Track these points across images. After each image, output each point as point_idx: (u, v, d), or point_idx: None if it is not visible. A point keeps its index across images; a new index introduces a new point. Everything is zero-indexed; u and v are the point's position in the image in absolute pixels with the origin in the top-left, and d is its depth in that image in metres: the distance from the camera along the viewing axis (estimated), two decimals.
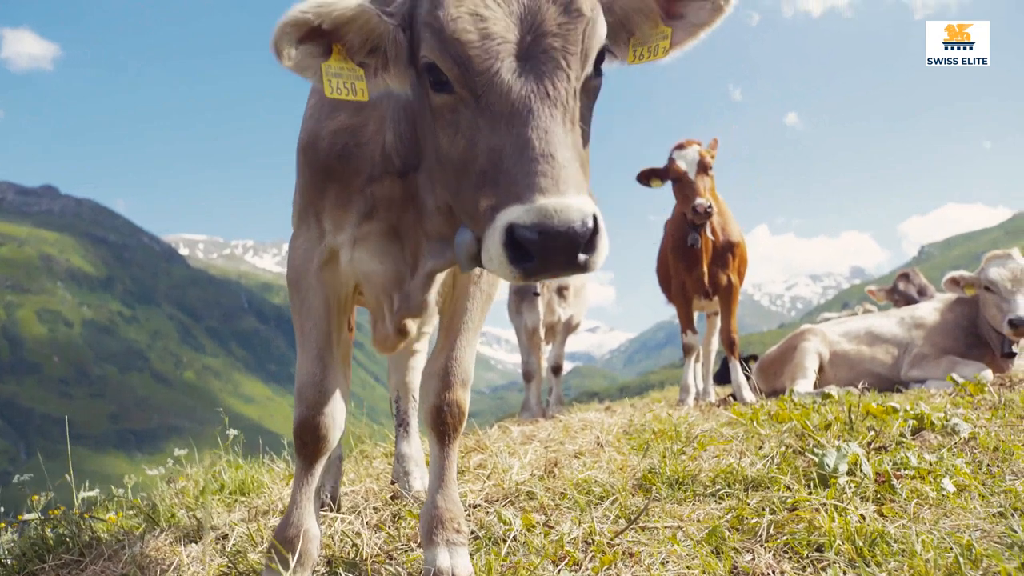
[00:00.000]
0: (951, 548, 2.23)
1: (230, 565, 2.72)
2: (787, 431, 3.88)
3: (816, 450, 3.24)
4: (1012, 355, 6.50)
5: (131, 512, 4.07)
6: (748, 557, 2.38)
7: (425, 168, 2.19)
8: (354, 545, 2.79)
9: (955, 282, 6.81)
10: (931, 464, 3.06)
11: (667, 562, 2.37)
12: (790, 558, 2.36)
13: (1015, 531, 2.30)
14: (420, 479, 3.79)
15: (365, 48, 2.01)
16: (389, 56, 2.01)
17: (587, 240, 1.63)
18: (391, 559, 2.68)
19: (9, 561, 3.24)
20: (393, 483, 3.88)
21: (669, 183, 6.86)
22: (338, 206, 2.39)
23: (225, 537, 3.20)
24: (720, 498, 3.00)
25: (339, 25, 1.94)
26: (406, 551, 2.74)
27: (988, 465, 3.15)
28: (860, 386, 5.67)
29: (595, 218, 1.64)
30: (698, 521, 2.74)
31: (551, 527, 2.76)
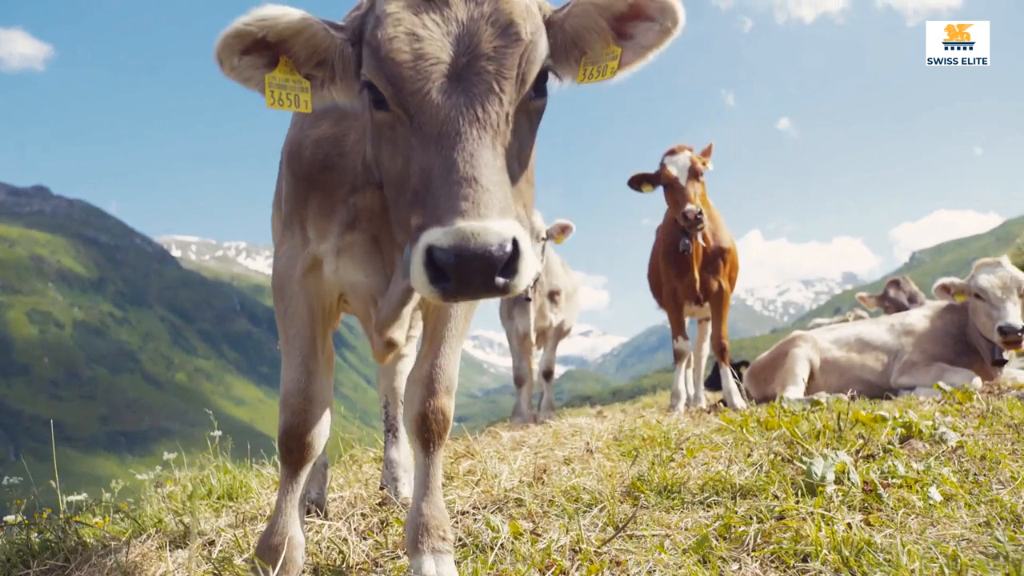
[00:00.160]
0: (937, 558, 2.24)
1: (216, 572, 2.70)
2: (776, 438, 3.88)
3: (804, 458, 3.25)
4: (1003, 362, 6.52)
5: (118, 516, 4.05)
6: (735, 566, 2.38)
7: None
8: (340, 552, 2.78)
9: (945, 289, 6.84)
10: (919, 473, 3.07)
11: (654, 571, 2.37)
12: (776, 568, 2.36)
13: (1000, 541, 2.31)
14: (409, 485, 3.78)
15: (312, 61, 2.03)
16: (336, 70, 2.03)
17: (506, 263, 1.64)
18: (377, 566, 2.67)
19: None
20: (382, 488, 3.87)
21: (660, 188, 6.87)
22: (321, 215, 2.40)
23: (212, 543, 3.19)
24: (708, 506, 3.00)
25: (285, 37, 1.95)
26: (393, 558, 2.73)
27: (975, 474, 3.16)
28: (849, 393, 5.69)
29: (515, 242, 1.65)
30: (686, 529, 2.74)
31: (539, 535, 2.75)
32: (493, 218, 1.63)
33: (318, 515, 3.43)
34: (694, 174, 6.64)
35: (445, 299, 1.68)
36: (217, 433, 4.92)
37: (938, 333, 6.96)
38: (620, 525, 2.76)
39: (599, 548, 2.56)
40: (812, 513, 2.65)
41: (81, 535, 3.50)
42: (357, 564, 2.69)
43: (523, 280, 1.69)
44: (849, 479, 2.97)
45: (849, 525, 2.55)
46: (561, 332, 8.28)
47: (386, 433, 4.02)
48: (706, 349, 8.24)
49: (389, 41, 1.79)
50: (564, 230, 7.39)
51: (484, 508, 3.20)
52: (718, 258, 7.07)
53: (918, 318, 7.27)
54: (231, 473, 4.48)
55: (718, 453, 3.84)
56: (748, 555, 2.44)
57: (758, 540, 2.52)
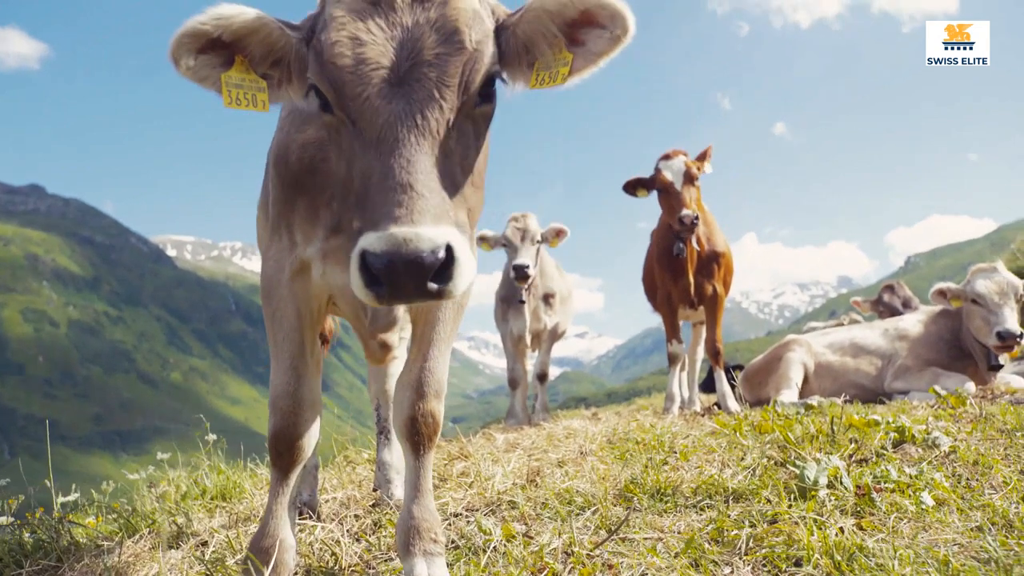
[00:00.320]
0: (928, 563, 2.24)
1: (208, 573, 2.70)
2: (770, 442, 3.89)
3: (797, 462, 3.25)
4: (998, 367, 6.54)
5: (112, 516, 4.04)
6: (727, 570, 2.39)
7: None
8: (333, 554, 2.78)
9: (942, 294, 6.85)
10: (911, 477, 3.07)
11: (646, 574, 2.37)
12: (768, 572, 2.36)
13: (991, 546, 2.32)
14: (402, 487, 3.78)
15: (268, 60, 2.04)
16: (293, 70, 2.04)
17: (440, 269, 1.65)
18: (370, 569, 2.67)
19: None
20: (375, 490, 3.87)
21: (655, 193, 6.88)
22: (308, 219, 2.41)
23: (205, 544, 3.19)
24: (701, 509, 3.00)
25: (240, 37, 1.96)
26: (385, 560, 2.73)
27: (967, 479, 3.17)
28: (843, 398, 5.70)
29: (449, 248, 1.66)
30: (678, 533, 2.74)
31: (531, 537, 2.75)
32: (427, 225, 1.65)
33: (310, 517, 3.43)
34: (689, 179, 6.65)
35: (380, 303, 1.70)
36: (212, 436, 4.92)
37: (932, 338, 6.98)
38: (613, 528, 2.76)
39: (591, 551, 2.56)
40: (804, 517, 2.65)
41: (74, 535, 3.50)
42: (349, 566, 2.69)
43: (458, 286, 1.70)
44: (842, 483, 2.97)
45: (841, 529, 2.56)
46: (556, 335, 8.28)
47: (379, 435, 4.02)
48: (700, 352, 8.25)
49: (332, 45, 1.80)
50: (559, 234, 7.39)
51: (477, 510, 3.20)
52: (712, 262, 7.08)
53: (912, 323, 7.29)
54: (224, 474, 4.48)
55: (711, 456, 3.84)
56: (740, 559, 2.44)
57: (750, 544, 2.53)
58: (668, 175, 6.68)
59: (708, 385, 9.99)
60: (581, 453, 4.32)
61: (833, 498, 2.88)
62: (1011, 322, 6.25)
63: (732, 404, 6.80)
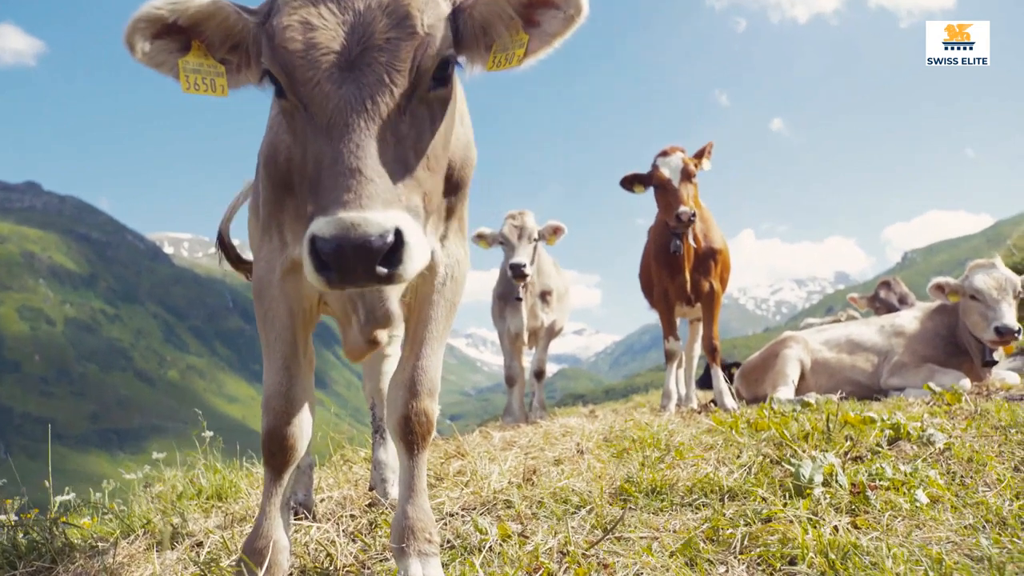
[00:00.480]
0: (922, 561, 2.25)
1: (203, 574, 2.69)
2: (765, 440, 3.89)
3: (793, 460, 3.26)
4: (993, 363, 6.55)
5: (107, 517, 4.04)
6: (722, 569, 2.39)
7: None
8: (328, 555, 2.77)
9: (940, 288, 6.86)
10: (906, 475, 3.08)
11: (641, 573, 2.37)
12: (763, 570, 2.36)
13: (985, 544, 2.32)
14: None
15: (226, 45, 2.03)
16: (251, 54, 2.03)
17: (387, 253, 1.66)
18: (365, 569, 2.67)
19: None
20: (371, 490, 3.87)
21: (652, 189, 6.87)
22: (298, 219, 2.40)
23: (200, 544, 3.18)
24: (696, 508, 3.00)
25: (196, 22, 1.96)
26: (381, 560, 2.73)
27: (962, 476, 3.18)
28: (839, 394, 5.71)
29: (399, 232, 1.67)
30: (674, 531, 2.75)
31: (527, 537, 2.75)
32: (375, 209, 1.65)
33: (306, 517, 3.42)
34: (686, 176, 6.64)
35: (331, 287, 1.70)
36: (208, 434, 4.91)
37: (928, 334, 7.00)
38: (608, 527, 2.77)
39: (587, 550, 2.57)
40: (799, 516, 2.66)
41: (69, 536, 3.49)
42: (344, 567, 2.69)
43: (408, 270, 1.70)
44: (837, 481, 2.98)
45: (836, 528, 2.56)
46: (552, 332, 8.28)
47: (374, 434, 4.02)
48: (697, 349, 8.26)
49: (283, 30, 1.80)
50: (556, 231, 7.38)
51: (473, 510, 3.20)
52: (709, 259, 7.08)
53: (908, 319, 7.31)
54: (221, 473, 4.47)
55: (707, 454, 3.84)
56: (735, 558, 2.45)
57: (745, 543, 2.53)
58: (665, 172, 6.67)
59: (705, 382, 10.00)
60: (578, 451, 4.32)
61: (828, 496, 2.88)
62: (1009, 317, 6.27)
63: (729, 401, 6.80)
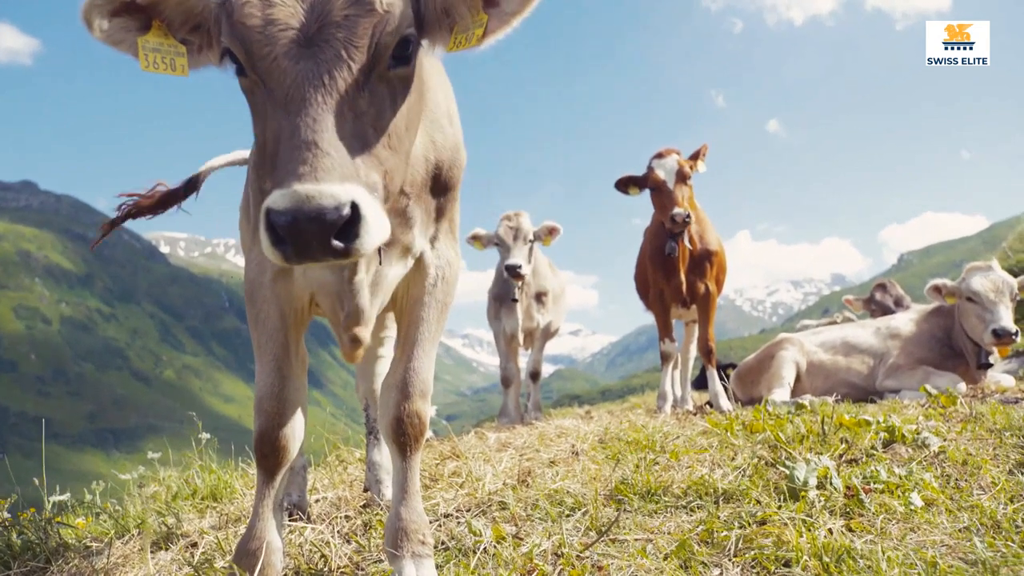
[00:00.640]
0: (916, 565, 2.25)
1: (196, 575, 2.69)
2: (760, 442, 3.90)
3: (788, 462, 3.26)
4: (988, 366, 6.57)
5: (102, 517, 4.03)
6: (716, 572, 2.39)
7: None
8: (323, 556, 2.77)
9: (937, 290, 6.88)
10: (900, 478, 3.08)
11: None
12: (757, 573, 2.37)
13: (979, 548, 2.32)
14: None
15: (187, 26, 2.04)
16: (212, 34, 2.03)
17: (346, 227, 1.65)
18: (360, 570, 2.67)
19: None
20: (366, 491, 3.86)
21: (647, 191, 6.88)
22: None
23: (194, 545, 3.18)
24: (691, 510, 3.00)
25: (156, 1, 1.96)
26: (375, 562, 2.72)
27: (956, 479, 3.18)
28: (834, 396, 5.71)
29: (355, 206, 1.65)
30: (668, 534, 2.75)
31: (521, 539, 2.75)
32: (331, 182, 1.64)
33: (300, 518, 3.42)
34: (681, 177, 6.65)
35: (287, 262, 1.69)
36: (204, 435, 4.91)
37: (924, 337, 7.01)
38: (603, 529, 2.77)
39: (581, 552, 2.56)
40: (794, 519, 2.66)
41: (63, 536, 3.49)
42: (339, 568, 2.69)
43: (365, 243, 1.69)
44: (831, 484, 2.98)
45: (830, 531, 2.56)
46: (548, 333, 8.28)
47: (368, 435, 4.01)
48: (693, 351, 8.26)
49: (241, 6, 1.80)
50: (552, 232, 7.38)
51: (468, 511, 3.19)
52: (705, 261, 7.08)
53: (904, 321, 7.32)
54: (216, 473, 4.47)
55: (702, 456, 3.85)
56: (729, 560, 2.45)
57: (740, 545, 2.53)
58: (661, 173, 6.68)
59: (701, 383, 10.00)
60: (573, 453, 4.32)
61: (822, 499, 2.88)
62: (1007, 320, 6.28)
63: (724, 403, 6.81)
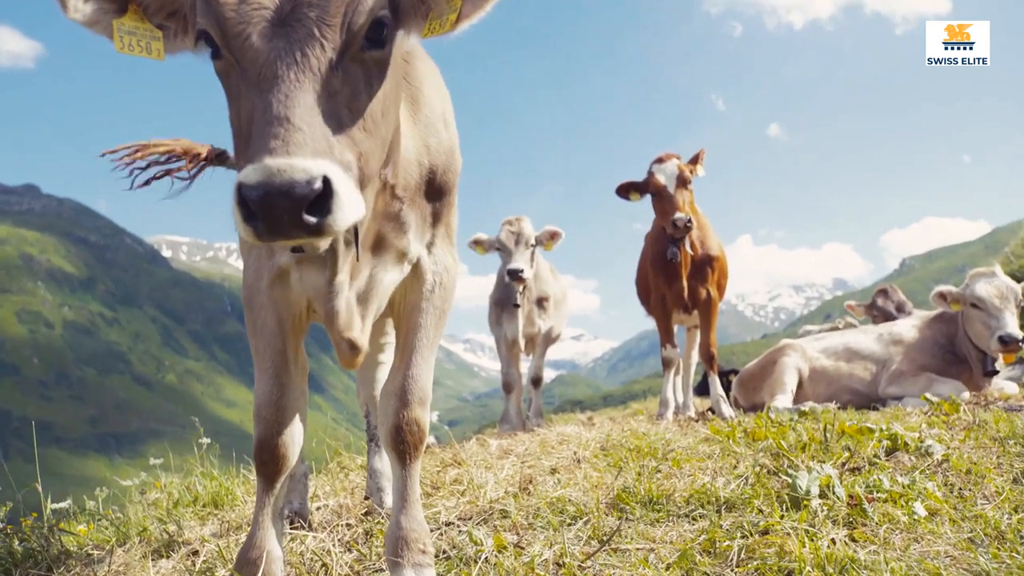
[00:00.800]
0: None
1: None
2: (763, 450, 3.89)
3: (790, 471, 3.24)
4: (994, 373, 6.54)
5: (103, 524, 4.02)
6: None
7: None
8: (324, 564, 2.76)
9: (942, 297, 6.87)
10: (904, 487, 3.07)
11: None
12: None
13: (983, 559, 2.31)
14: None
15: (163, 11, 2.05)
16: (188, 20, 2.03)
17: (318, 202, 1.63)
18: None
19: None
20: (367, 498, 3.86)
21: (648, 196, 6.88)
22: None
23: (196, 553, 3.17)
24: (693, 519, 2.99)
25: None
26: (376, 571, 2.72)
27: (960, 488, 3.17)
28: (836, 403, 5.70)
29: (327, 180, 1.64)
30: (670, 543, 2.73)
31: (523, 548, 2.74)
32: (303, 156, 1.63)
33: (301, 526, 3.41)
34: (682, 182, 6.65)
35: (260, 239, 1.67)
36: (205, 440, 4.90)
37: (927, 343, 6.99)
38: (604, 539, 2.75)
39: (583, 562, 2.55)
40: (796, 528, 2.64)
41: (65, 543, 3.48)
42: None
43: (338, 220, 1.67)
44: (834, 493, 2.96)
45: (833, 541, 2.55)
46: (550, 338, 8.27)
47: (369, 443, 4.01)
48: (695, 356, 8.25)
49: None
50: (553, 236, 7.38)
51: (469, 519, 3.18)
52: (706, 266, 7.08)
53: (907, 328, 7.30)
54: (217, 480, 4.46)
55: (704, 464, 3.84)
56: (732, 571, 2.44)
57: (742, 555, 2.52)
58: (661, 178, 6.68)
59: (703, 389, 9.99)
60: (575, 460, 4.31)
61: (825, 508, 2.86)
62: (1012, 326, 6.26)
63: (726, 410, 6.80)
